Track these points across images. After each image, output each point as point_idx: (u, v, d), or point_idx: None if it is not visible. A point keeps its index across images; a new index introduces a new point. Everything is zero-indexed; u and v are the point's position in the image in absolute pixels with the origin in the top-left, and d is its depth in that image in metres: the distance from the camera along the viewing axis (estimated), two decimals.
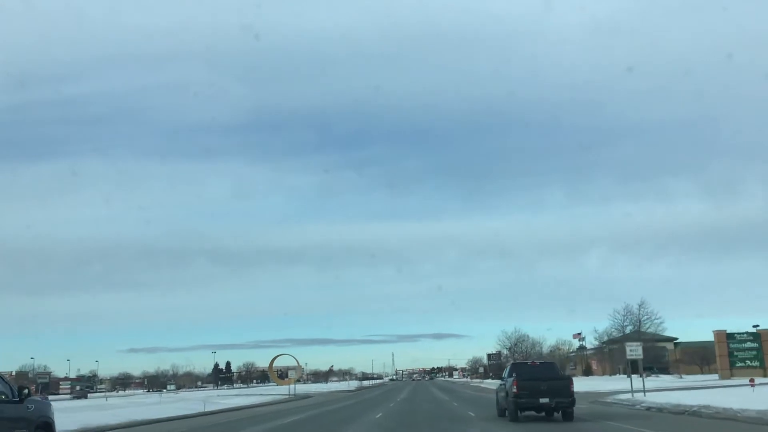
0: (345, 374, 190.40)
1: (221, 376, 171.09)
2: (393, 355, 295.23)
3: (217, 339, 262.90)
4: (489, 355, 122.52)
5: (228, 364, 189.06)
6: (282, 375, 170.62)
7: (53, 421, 14.68)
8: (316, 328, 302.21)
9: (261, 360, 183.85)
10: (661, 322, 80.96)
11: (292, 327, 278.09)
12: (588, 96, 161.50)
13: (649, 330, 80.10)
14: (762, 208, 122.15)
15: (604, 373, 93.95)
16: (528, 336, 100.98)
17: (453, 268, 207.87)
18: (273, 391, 70.05)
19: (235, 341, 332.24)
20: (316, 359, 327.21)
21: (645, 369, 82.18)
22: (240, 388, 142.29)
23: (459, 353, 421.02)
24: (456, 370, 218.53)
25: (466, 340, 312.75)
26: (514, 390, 22.51)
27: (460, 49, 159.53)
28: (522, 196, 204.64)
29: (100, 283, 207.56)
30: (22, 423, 13.21)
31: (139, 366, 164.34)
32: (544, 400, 22.26)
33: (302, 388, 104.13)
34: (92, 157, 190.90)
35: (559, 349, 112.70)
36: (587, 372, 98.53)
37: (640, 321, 79.59)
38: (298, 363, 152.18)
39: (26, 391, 13.56)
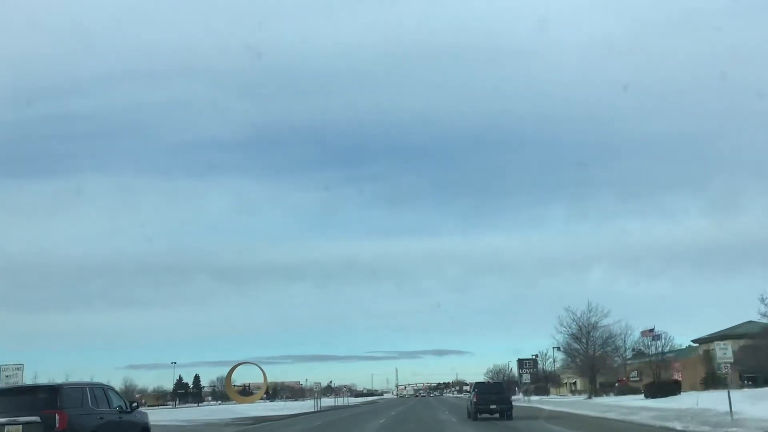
0: (325, 391, 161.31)
1: (181, 392, 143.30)
2: (396, 370, 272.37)
3: (216, 356, 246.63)
4: (521, 362, 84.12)
5: (197, 378, 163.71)
6: (244, 391, 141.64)
7: (149, 426, 19.90)
8: (317, 345, 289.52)
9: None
10: None
11: (292, 343, 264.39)
12: (586, 113, 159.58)
13: None
14: (761, 224, 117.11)
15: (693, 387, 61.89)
16: (598, 323, 66.02)
17: (454, 285, 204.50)
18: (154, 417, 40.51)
19: (235, 358, 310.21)
20: (317, 375, 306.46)
21: (749, 379, 53.00)
22: (203, 406, 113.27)
23: (464, 368, 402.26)
24: (466, 384, 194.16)
25: (468, 357, 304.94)
26: (474, 400, 35.07)
27: (459, 66, 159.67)
28: (522, 213, 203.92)
29: (100, 300, 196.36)
30: (133, 426, 18.31)
31: (139, 383, 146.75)
32: (493, 406, 34.49)
33: (259, 408, 74.01)
34: (94, 173, 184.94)
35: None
36: (711, 382, 54.56)
37: None
38: (264, 375, 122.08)
39: (135, 404, 19.08)
